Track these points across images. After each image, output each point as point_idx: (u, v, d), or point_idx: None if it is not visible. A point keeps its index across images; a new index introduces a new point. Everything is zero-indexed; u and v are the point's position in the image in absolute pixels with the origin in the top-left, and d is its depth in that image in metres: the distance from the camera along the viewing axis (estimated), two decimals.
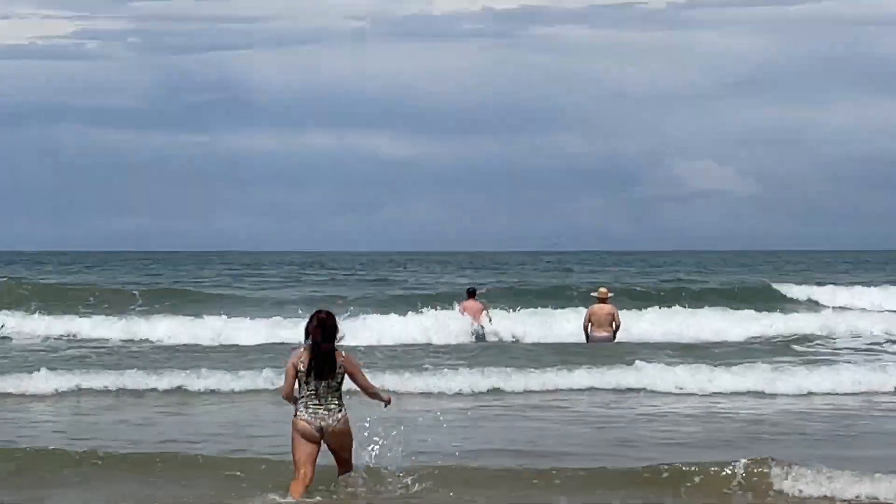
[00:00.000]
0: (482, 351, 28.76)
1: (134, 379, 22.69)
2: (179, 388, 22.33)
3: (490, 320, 32.49)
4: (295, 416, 13.18)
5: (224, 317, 34.97)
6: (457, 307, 33.29)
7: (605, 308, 29.16)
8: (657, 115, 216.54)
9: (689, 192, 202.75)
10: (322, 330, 13.02)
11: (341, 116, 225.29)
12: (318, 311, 13.22)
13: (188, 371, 23.16)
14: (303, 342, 13.22)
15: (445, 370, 23.47)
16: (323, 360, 12.99)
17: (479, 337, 32.10)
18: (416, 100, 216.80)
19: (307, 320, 13.19)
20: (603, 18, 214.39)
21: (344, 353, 13.23)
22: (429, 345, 31.54)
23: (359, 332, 30.76)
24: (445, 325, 33.22)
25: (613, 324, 28.89)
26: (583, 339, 29.17)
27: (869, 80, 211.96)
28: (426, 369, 23.75)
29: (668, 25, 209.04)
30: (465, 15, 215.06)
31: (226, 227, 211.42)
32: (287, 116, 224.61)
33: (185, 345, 31.28)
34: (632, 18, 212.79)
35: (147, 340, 32.83)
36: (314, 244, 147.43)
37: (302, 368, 13.01)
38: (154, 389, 22.21)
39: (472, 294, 33.25)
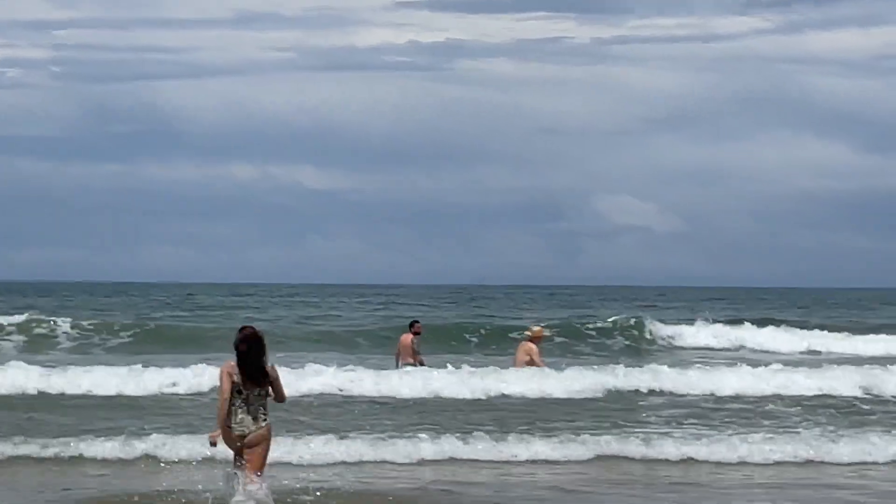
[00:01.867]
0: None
1: None
2: None
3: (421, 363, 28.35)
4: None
5: None
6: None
7: (526, 346, 26.77)
8: (582, 151, 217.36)
9: (613, 227, 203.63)
10: (254, 343, 14.09)
11: (265, 148, 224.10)
12: (245, 327, 14.37)
13: None
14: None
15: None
16: (257, 369, 14.05)
17: None
18: (341, 132, 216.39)
19: (237, 336, 14.19)
20: (528, 52, 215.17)
21: (269, 364, 14.29)
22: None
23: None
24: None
25: (529, 363, 26.50)
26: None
27: (791, 117, 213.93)
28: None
29: (593, 60, 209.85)
30: (391, 47, 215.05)
31: (148, 259, 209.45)
32: (211, 147, 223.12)
33: None
34: (557, 53, 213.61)
35: None
36: (237, 276, 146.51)
37: (236, 379, 14.01)
38: None
39: (411, 327, 29.26)
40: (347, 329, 47.95)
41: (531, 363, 26.63)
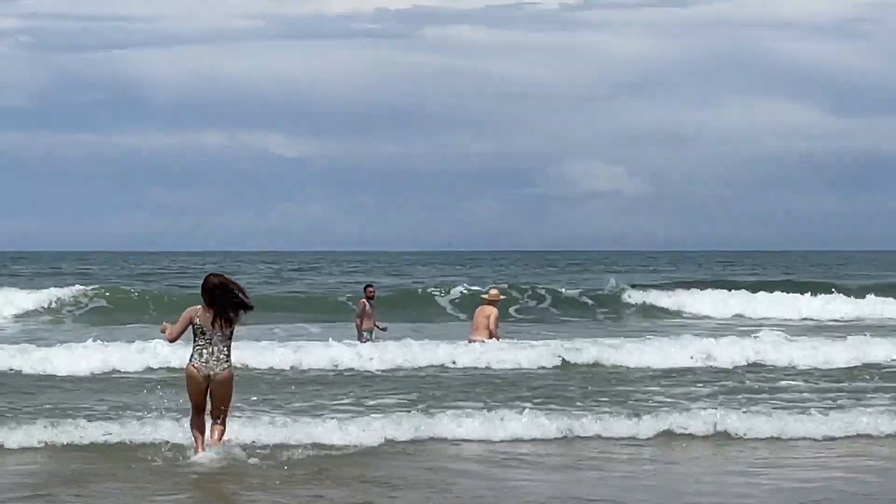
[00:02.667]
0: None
1: None
2: None
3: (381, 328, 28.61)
4: (188, 362, 14.83)
5: None
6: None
7: (486, 310, 26.42)
8: (550, 116, 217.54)
9: (581, 192, 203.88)
10: (226, 282, 14.77)
11: (234, 115, 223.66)
12: (212, 274, 15.01)
13: None
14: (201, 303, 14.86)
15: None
16: (230, 305, 14.65)
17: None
18: (310, 99, 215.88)
19: (203, 283, 14.87)
20: (497, 19, 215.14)
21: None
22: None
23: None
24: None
25: (489, 328, 26.17)
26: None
27: (758, 81, 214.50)
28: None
29: (561, 26, 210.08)
30: (359, 15, 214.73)
31: (117, 227, 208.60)
32: (179, 115, 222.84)
33: None
34: (525, 19, 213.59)
35: None
36: (205, 243, 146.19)
37: (198, 322, 14.63)
38: None
39: (365, 290, 29.25)
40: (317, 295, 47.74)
41: (487, 328, 26.39)
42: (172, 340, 15.03)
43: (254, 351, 24.78)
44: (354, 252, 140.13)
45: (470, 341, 26.32)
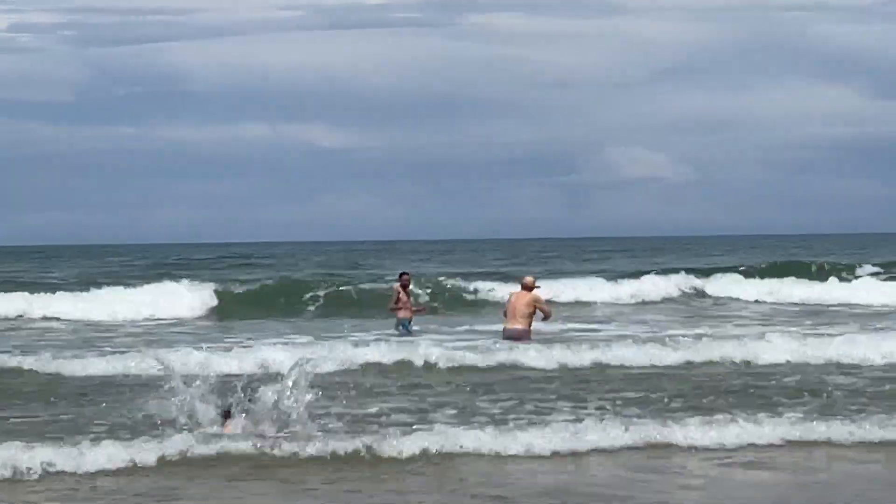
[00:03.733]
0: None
1: None
2: None
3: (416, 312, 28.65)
4: None
5: None
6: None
7: (524, 297, 26.09)
8: (592, 103, 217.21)
9: (623, 178, 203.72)
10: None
11: (276, 107, 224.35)
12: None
13: None
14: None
15: None
16: None
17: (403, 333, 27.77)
18: (351, 89, 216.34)
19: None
20: (537, 6, 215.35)
21: None
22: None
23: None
24: None
25: (531, 315, 25.98)
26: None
27: (800, 65, 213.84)
28: None
29: (601, 12, 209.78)
30: (399, 3, 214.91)
31: (159, 220, 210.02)
32: (221, 108, 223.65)
33: None
34: (566, 6, 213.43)
35: None
36: (248, 235, 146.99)
37: None
38: None
39: (400, 278, 28.91)
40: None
41: (534, 312, 26.41)
42: None
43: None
44: (399, 241, 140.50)
45: (505, 329, 26.13)
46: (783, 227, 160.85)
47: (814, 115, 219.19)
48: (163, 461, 13.58)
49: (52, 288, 41.99)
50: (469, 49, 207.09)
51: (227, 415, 14.64)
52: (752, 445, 15.16)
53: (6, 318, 36.12)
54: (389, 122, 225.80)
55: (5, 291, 39.07)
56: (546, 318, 26.57)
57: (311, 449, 13.85)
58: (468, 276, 46.09)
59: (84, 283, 44.67)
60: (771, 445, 15.24)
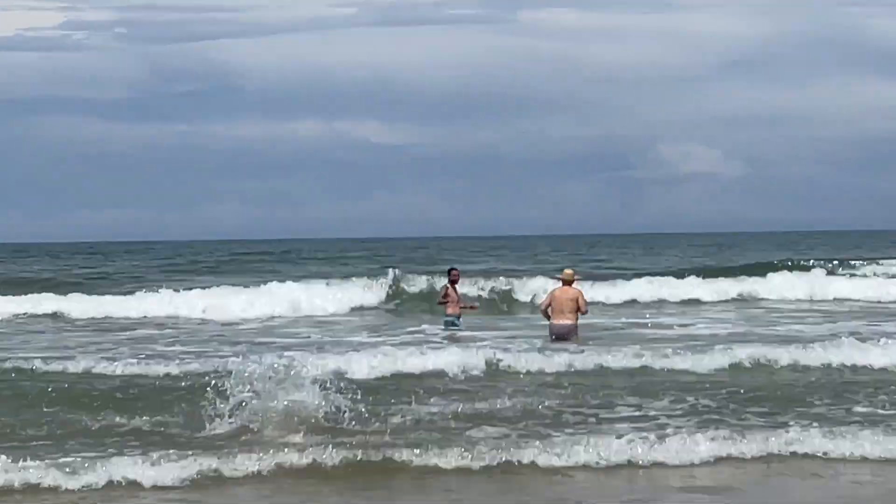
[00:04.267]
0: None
1: None
2: None
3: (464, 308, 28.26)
4: None
5: None
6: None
7: (569, 292, 25.92)
8: (646, 98, 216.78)
9: (678, 174, 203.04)
10: None
11: (331, 104, 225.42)
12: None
13: None
14: None
15: None
16: None
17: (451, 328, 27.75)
18: (406, 86, 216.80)
19: None
20: (591, 2, 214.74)
21: None
22: None
23: None
24: None
25: (577, 311, 25.83)
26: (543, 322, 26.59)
27: (856, 60, 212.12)
28: None
29: (656, 7, 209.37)
30: (453, 0, 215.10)
31: (214, 216, 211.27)
32: (276, 105, 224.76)
33: None
34: (620, 1, 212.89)
35: None
36: (303, 232, 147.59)
37: None
38: None
39: (449, 274, 28.56)
40: None
41: (574, 310, 26.32)
42: None
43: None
44: (452, 237, 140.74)
45: (554, 326, 25.93)
46: (839, 223, 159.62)
47: (872, 111, 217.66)
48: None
49: (203, 284, 41.29)
50: (523, 45, 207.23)
51: None
52: None
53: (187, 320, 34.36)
54: (443, 118, 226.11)
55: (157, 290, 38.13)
56: (583, 313, 26.45)
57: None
58: (522, 273, 45.36)
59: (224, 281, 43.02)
60: None
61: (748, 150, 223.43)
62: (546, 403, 16.82)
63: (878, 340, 22.26)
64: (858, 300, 40.24)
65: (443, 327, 28.12)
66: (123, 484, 12.42)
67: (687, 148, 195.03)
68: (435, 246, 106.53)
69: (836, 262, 53.50)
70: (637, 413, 16.53)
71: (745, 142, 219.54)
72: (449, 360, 20.59)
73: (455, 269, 28.98)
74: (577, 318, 25.93)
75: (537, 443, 13.77)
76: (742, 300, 40.83)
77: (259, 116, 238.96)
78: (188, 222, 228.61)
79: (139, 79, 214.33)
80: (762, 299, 41.45)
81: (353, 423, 14.85)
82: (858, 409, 16.77)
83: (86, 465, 12.66)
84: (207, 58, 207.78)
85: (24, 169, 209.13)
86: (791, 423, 15.17)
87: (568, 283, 26.16)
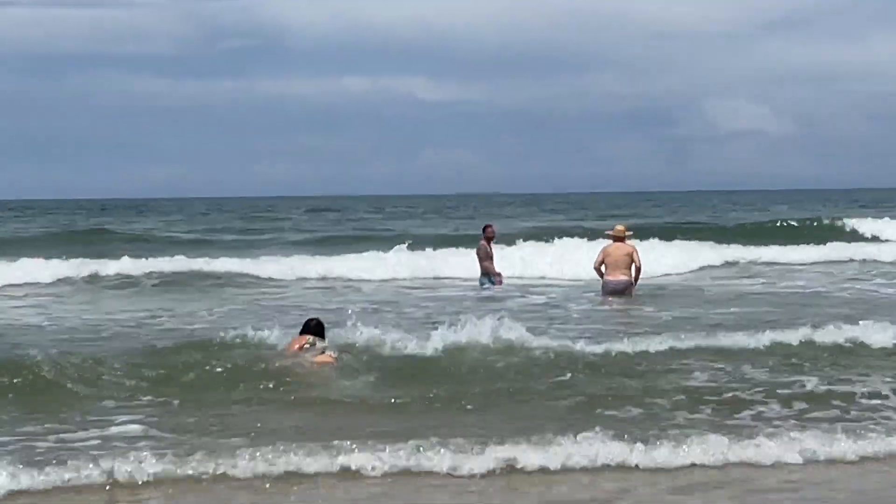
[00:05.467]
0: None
1: None
2: None
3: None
4: None
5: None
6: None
7: (623, 248, 25.46)
8: (693, 55, 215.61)
9: (725, 132, 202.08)
10: (318, 330, 15.10)
11: (377, 61, 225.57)
12: (311, 319, 15.32)
13: None
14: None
15: None
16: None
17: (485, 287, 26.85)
18: (452, 42, 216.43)
19: (305, 322, 15.17)
20: None
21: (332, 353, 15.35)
22: None
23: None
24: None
25: (633, 267, 25.43)
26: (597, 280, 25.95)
27: None
28: None
29: None
30: None
31: (262, 173, 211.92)
32: (322, 61, 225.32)
33: None
34: None
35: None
36: (351, 188, 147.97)
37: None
38: None
39: (484, 231, 27.55)
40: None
41: (629, 265, 26.55)
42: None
43: None
44: (499, 194, 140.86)
45: (610, 282, 25.48)
46: (888, 181, 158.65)
47: None
48: None
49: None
50: (570, 2, 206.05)
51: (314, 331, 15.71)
52: None
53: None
54: (489, 74, 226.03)
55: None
56: (638, 272, 26.64)
57: None
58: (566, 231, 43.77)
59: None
60: None
61: (798, 108, 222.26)
62: None
63: None
64: None
65: (479, 285, 27.25)
66: None
67: (734, 105, 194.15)
68: (491, 204, 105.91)
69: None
70: None
71: (793, 99, 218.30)
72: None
73: (490, 226, 28.39)
74: (631, 275, 26.18)
75: None
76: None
77: (306, 72, 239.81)
78: (234, 178, 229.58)
79: (186, 34, 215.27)
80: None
81: None
82: None
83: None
84: (255, 14, 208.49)
85: (72, 125, 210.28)
86: None
87: (619, 239, 25.81)
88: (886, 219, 48.47)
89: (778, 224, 50.39)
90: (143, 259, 30.66)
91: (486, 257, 27.40)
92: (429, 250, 34.97)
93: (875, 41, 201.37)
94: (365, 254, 34.22)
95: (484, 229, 28.00)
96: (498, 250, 29.23)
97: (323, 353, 15.04)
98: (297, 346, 15.07)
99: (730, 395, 13.16)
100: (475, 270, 28.50)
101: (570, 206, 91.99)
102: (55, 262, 30.33)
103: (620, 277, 25.83)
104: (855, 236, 44.26)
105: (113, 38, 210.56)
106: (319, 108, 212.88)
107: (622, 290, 26.04)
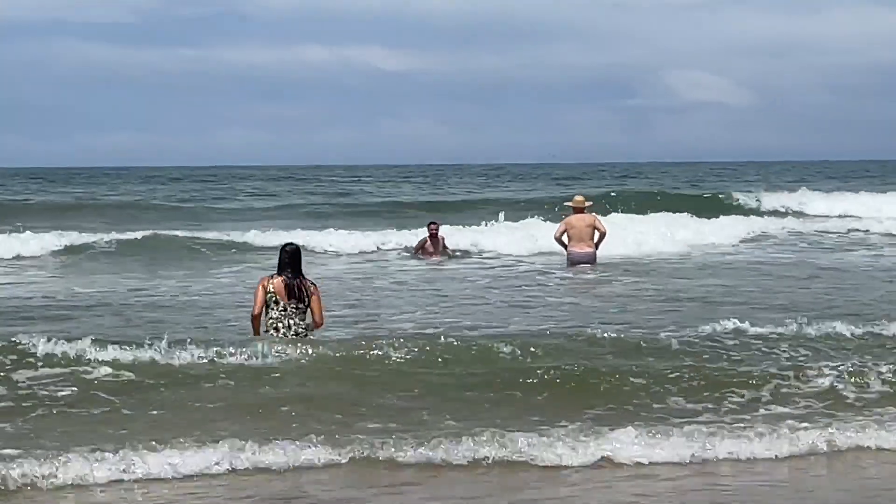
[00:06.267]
0: None
1: None
2: None
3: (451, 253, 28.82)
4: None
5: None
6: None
7: (585, 219, 25.59)
8: (653, 25, 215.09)
9: (685, 103, 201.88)
10: (294, 260, 14.48)
11: (337, 30, 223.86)
12: (288, 244, 14.86)
13: None
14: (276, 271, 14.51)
15: None
16: (296, 285, 14.36)
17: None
18: (410, 12, 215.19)
19: (280, 252, 14.64)
20: None
21: (311, 282, 14.61)
22: None
23: None
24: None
25: (595, 235, 25.47)
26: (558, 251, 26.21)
27: None
28: None
29: None
30: None
31: (220, 142, 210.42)
32: (282, 30, 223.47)
33: None
34: None
35: None
36: (309, 158, 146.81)
37: (272, 290, 14.26)
38: None
39: (428, 227, 28.89)
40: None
41: (592, 237, 25.83)
42: (256, 316, 14.29)
43: None
44: (458, 165, 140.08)
45: (576, 254, 25.47)
46: (848, 153, 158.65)
47: (880, 39, 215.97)
48: None
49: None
50: None
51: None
52: None
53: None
54: (449, 44, 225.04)
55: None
56: (602, 238, 25.95)
57: None
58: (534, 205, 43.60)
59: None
60: None
61: (757, 79, 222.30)
62: None
63: None
64: None
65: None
66: None
67: (694, 76, 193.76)
68: (449, 175, 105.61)
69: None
70: None
71: (753, 70, 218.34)
72: None
73: (434, 223, 29.01)
74: (596, 245, 25.55)
75: None
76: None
77: (266, 41, 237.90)
78: (192, 147, 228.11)
79: (143, 3, 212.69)
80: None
81: None
82: None
83: None
84: None
85: (28, 93, 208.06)
86: None
87: (579, 210, 25.69)
88: (804, 189, 48.16)
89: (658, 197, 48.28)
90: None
91: (425, 253, 28.30)
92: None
93: (833, 13, 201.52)
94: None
95: (427, 226, 28.80)
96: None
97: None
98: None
99: None
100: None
101: (527, 176, 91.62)
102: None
103: (586, 249, 25.57)
104: (741, 210, 43.82)
105: (68, 6, 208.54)
106: (278, 77, 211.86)
107: (588, 261, 25.40)
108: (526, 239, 31.88)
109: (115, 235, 30.78)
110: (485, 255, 30.44)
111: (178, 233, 31.99)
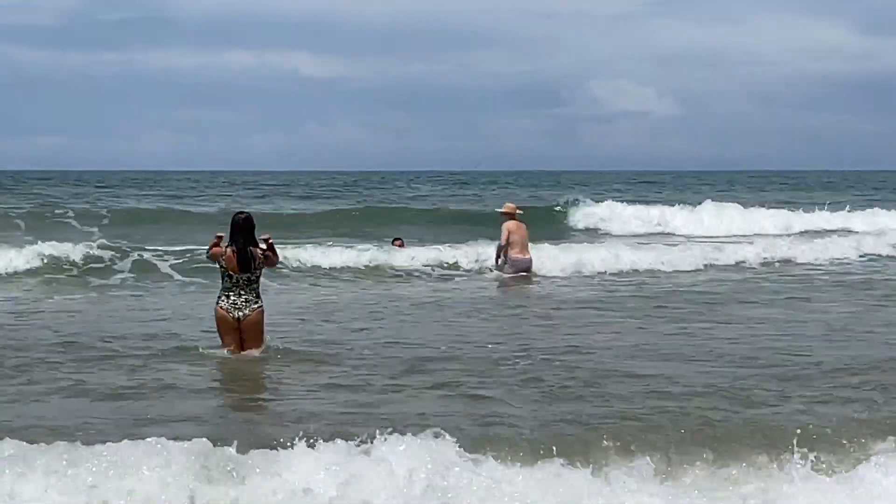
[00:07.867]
0: None
1: None
2: None
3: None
4: (217, 304, 14.95)
5: None
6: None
7: (521, 225, 25.67)
8: (580, 35, 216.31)
9: (611, 112, 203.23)
10: (244, 230, 14.78)
11: (261, 35, 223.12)
12: (240, 212, 15.10)
13: None
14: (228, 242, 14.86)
15: None
16: (246, 256, 14.74)
17: None
18: (337, 18, 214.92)
19: (231, 221, 14.91)
20: None
21: (263, 246, 14.90)
22: None
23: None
24: None
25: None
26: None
27: (791, 0, 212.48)
28: None
29: None
30: None
31: (144, 147, 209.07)
32: (206, 34, 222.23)
33: None
34: None
35: None
36: (233, 163, 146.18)
37: (224, 264, 14.74)
38: None
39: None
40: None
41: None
42: (213, 256, 14.83)
43: None
44: (385, 172, 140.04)
45: (520, 260, 25.54)
46: (771, 163, 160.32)
47: (803, 51, 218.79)
48: None
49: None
50: None
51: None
52: None
53: None
54: (375, 51, 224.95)
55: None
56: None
57: None
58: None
59: None
60: None
61: (681, 89, 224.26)
62: None
63: None
64: None
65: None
66: None
67: (620, 85, 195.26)
68: (377, 179, 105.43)
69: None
70: None
71: (678, 80, 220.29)
72: None
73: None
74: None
75: None
76: None
77: (190, 46, 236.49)
78: (116, 151, 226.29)
79: (69, 5, 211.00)
80: None
81: None
82: None
83: None
84: None
85: None
86: None
87: (512, 216, 25.64)
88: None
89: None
90: None
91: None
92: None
93: (756, 23, 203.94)
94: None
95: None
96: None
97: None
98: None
99: None
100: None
101: (455, 185, 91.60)
102: None
103: (527, 255, 25.60)
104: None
105: None
106: (202, 82, 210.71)
107: (529, 267, 25.56)
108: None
109: None
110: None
111: None
